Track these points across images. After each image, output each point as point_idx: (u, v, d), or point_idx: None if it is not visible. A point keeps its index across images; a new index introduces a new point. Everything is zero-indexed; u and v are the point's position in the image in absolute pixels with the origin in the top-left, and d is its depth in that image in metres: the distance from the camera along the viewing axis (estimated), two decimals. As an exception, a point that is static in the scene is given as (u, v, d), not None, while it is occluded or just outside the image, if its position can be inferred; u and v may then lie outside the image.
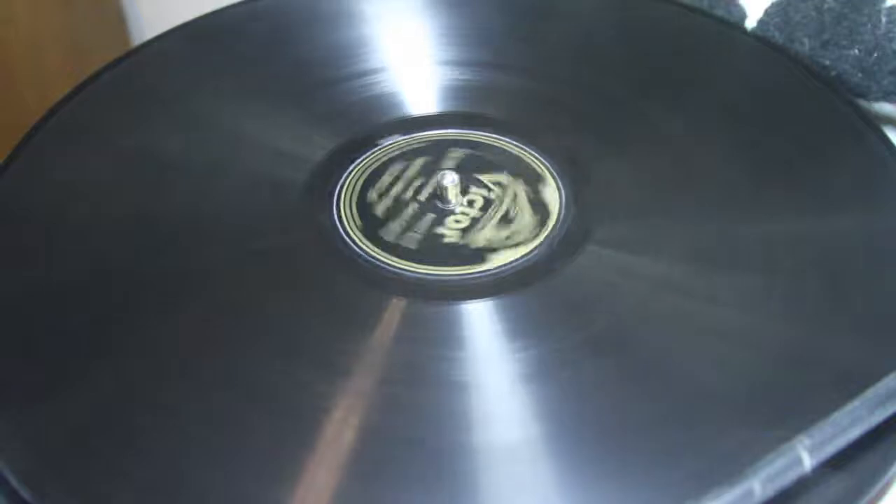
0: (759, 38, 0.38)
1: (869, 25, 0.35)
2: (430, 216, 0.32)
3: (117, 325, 0.28)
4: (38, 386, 0.26)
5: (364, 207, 0.32)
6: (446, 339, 0.27)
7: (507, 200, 0.32)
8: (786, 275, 0.29)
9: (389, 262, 0.30)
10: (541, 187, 0.32)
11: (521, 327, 0.28)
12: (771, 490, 0.21)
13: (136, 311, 0.28)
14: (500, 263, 0.30)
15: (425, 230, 0.31)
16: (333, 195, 0.32)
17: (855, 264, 0.29)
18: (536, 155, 0.34)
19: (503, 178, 0.33)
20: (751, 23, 0.38)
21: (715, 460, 0.24)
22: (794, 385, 0.26)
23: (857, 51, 0.36)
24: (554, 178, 0.33)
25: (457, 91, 0.36)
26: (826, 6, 0.36)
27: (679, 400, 0.26)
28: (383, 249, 0.30)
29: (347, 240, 0.31)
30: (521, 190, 0.32)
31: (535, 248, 0.30)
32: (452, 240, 0.31)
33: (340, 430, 0.25)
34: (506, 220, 0.31)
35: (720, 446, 0.24)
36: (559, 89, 0.36)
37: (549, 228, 0.31)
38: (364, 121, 0.35)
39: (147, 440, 0.25)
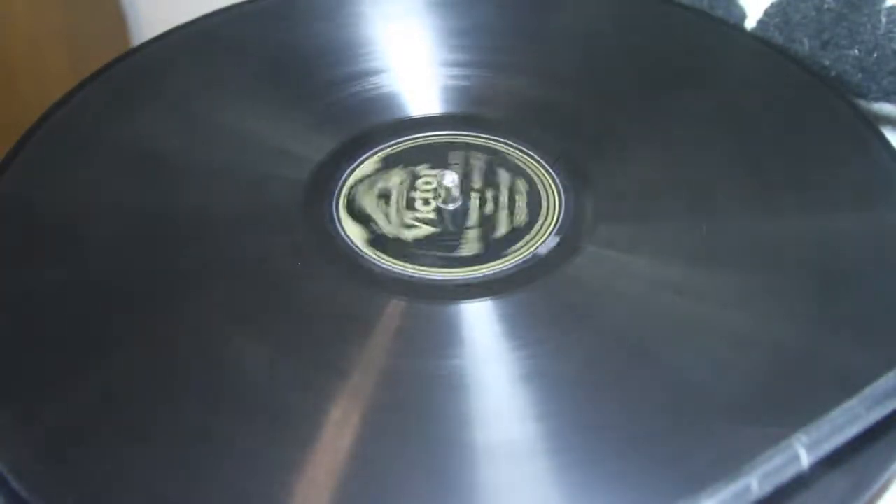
0: (759, 38, 0.38)
1: (869, 25, 0.35)
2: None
3: (117, 325, 0.28)
4: (38, 386, 0.26)
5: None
6: (446, 339, 0.27)
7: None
8: (785, 274, 0.29)
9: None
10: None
11: (521, 327, 0.28)
12: (768, 487, 0.21)
13: (135, 311, 0.28)
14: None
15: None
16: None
17: (854, 264, 0.29)
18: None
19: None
20: (751, 23, 0.38)
21: (714, 458, 0.24)
22: (793, 384, 0.26)
23: (857, 51, 0.36)
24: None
25: (457, 92, 0.36)
26: (826, 6, 0.36)
27: (678, 399, 0.26)
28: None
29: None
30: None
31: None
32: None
33: (340, 430, 0.25)
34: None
35: (719, 444, 0.24)
36: (559, 90, 0.36)
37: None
38: (364, 121, 0.35)
39: (147, 440, 0.25)
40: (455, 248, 0.30)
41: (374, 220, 0.31)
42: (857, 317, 0.28)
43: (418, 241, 0.31)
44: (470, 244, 0.31)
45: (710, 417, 0.25)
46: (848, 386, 0.23)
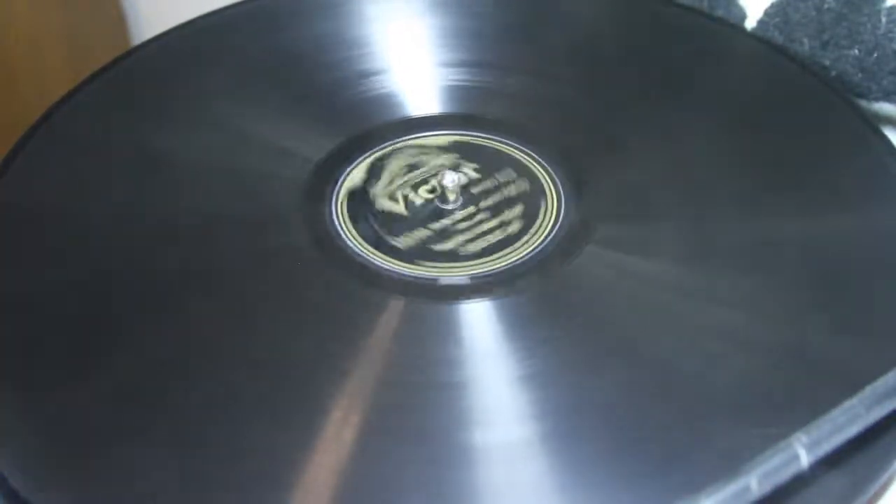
0: (759, 38, 0.38)
1: (869, 25, 0.35)
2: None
3: (117, 325, 0.28)
4: (38, 386, 0.26)
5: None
6: (446, 339, 0.27)
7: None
8: (785, 274, 0.29)
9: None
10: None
11: (521, 327, 0.28)
12: (767, 486, 0.21)
13: (135, 311, 0.28)
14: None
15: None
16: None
17: (854, 264, 0.29)
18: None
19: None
20: (751, 23, 0.38)
21: (713, 458, 0.24)
22: (793, 384, 0.26)
23: (857, 51, 0.36)
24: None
25: (457, 92, 0.36)
26: (826, 6, 0.36)
27: (678, 398, 0.26)
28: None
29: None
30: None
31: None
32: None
33: (340, 429, 0.25)
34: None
35: (719, 444, 0.24)
36: (559, 90, 0.36)
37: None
38: (364, 121, 0.35)
39: (147, 440, 0.25)
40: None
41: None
42: (856, 317, 0.28)
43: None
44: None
45: (710, 417, 0.25)
46: (848, 386, 0.23)
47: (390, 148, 0.34)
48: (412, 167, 0.33)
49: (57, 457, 0.25)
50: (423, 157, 0.34)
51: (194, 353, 0.27)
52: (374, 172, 0.33)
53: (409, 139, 0.34)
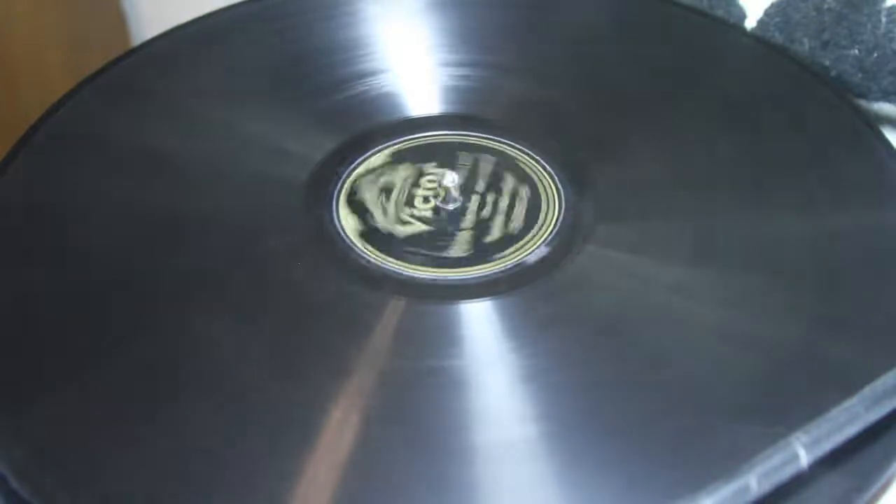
0: (759, 38, 0.38)
1: (869, 25, 0.35)
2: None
3: (117, 325, 0.28)
4: (38, 386, 0.26)
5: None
6: (446, 339, 0.27)
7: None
8: (786, 275, 0.29)
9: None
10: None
11: (521, 327, 0.28)
12: (767, 486, 0.21)
13: (135, 311, 0.28)
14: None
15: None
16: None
17: (854, 264, 0.29)
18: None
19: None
20: (751, 23, 0.38)
21: (713, 458, 0.24)
22: (793, 384, 0.26)
23: (857, 51, 0.36)
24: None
25: (456, 92, 0.36)
26: (826, 6, 0.36)
27: (678, 398, 0.26)
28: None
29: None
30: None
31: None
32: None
33: (341, 430, 0.25)
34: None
35: (719, 444, 0.24)
36: (559, 90, 0.36)
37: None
38: (364, 121, 0.35)
39: (147, 440, 0.25)
40: (447, 248, 0.30)
41: (371, 213, 0.31)
42: (856, 317, 0.28)
43: (411, 238, 0.31)
44: (469, 244, 0.31)
45: (710, 417, 0.25)
46: (848, 386, 0.23)
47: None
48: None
49: (56, 457, 0.25)
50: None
51: (194, 353, 0.27)
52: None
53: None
